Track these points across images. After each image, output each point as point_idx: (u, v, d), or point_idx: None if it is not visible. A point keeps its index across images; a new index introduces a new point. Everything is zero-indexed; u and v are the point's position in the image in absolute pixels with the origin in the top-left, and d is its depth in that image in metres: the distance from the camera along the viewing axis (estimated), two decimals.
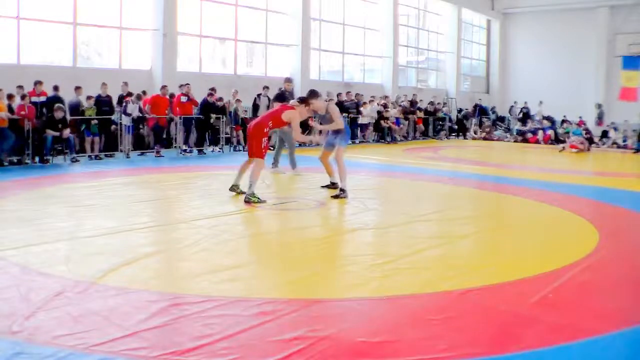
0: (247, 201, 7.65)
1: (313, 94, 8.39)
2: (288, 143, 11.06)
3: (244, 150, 15.10)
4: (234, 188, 8.25)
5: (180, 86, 14.51)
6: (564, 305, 4.15)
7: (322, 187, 9.04)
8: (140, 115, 13.35)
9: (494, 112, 27.76)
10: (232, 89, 15.89)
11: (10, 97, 11.40)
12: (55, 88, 12.34)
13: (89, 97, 12.80)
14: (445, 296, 4.27)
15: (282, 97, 11.04)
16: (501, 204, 8.98)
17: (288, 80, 12.28)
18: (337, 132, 8.52)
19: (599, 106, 26.59)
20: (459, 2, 27.67)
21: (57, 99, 12.25)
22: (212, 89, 14.72)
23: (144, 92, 14.21)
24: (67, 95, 12.80)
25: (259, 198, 7.72)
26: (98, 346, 3.23)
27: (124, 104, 13.20)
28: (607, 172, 14.63)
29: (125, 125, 13.04)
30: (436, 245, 5.84)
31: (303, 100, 8.37)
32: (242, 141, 15.31)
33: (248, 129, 8.30)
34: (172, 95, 14.24)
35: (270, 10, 19.26)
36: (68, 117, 12.19)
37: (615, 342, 3.60)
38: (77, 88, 12.92)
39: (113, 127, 13.25)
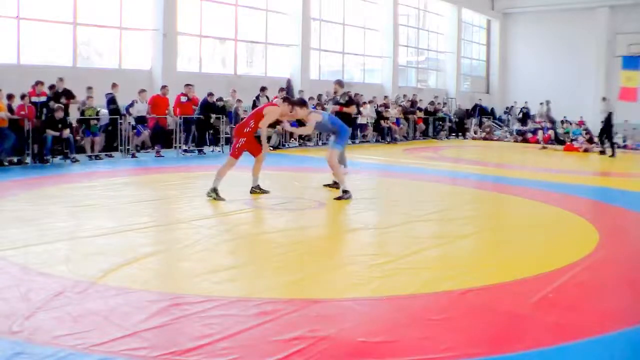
0: (208, 195, 7.77)
1: (301, 102, 8.40)
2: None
3: None
4: (254, 190, 8.31)
5: (186, 85, 14.53)
6: (564, 305, 4.15)
7: (325, 185, 9.02)
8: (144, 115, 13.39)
9: (506, 113, 27.66)
10: (230, 89, 15.88)
11: (10, 97, 11.40)
12: (51, 87, 12.35)
13: (89, 97, 12.80)
14: (445, 296, 4.27)
15: (336, 100, 10.97)
16: (501, 204, 8.98)
17: (338, 83, 11.17)
18: (334, 133, 8.50)
19: (547, 103, 26.59)
20: (459, 2, 27.68)
21: (51, 99, 12.23)
22: (210, 93, 14.72)
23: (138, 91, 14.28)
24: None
25: (217, 195, 7.76)
26: (98, 346, 3.23)
27: (129, 102, 13.22)
28: (607, 172, 14.63)
29: (131, 124, 13.07)
30: (436, 245, 5.84)
31: (289, 101, 8.34)
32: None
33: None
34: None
35: (270, 10, 19.26)
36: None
37: (615, 342, 3.59)
38: (114, 85, 13.24)
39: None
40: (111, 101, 13.21)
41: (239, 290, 4.35)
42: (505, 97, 30.23)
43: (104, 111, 13.30)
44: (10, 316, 3.62)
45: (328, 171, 10.26)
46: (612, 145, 17.58)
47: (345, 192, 8.22)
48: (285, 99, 8.41)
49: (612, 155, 17.31)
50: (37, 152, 11.61)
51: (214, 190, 7.81)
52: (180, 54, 16.53)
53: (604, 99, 18.02)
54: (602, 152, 17.83)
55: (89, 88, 12.98)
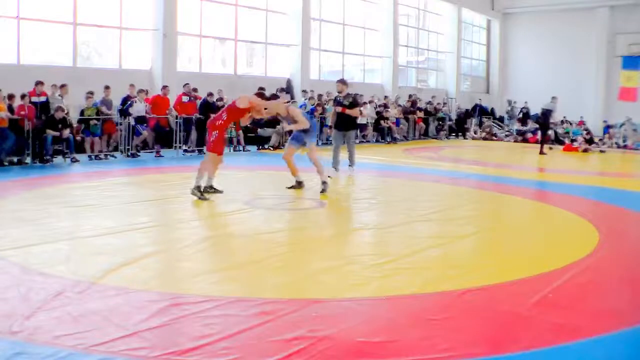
0: (192, 194, 7.69)
1: (273, 95, 8.67)
2: (350, 143, 10.92)
3: (244, 151, 15.12)
4: (207, 189, 8.03)
5: (185, 85, 14.57)
6: (564, 305, 4.15)
7: (288, 188, 8.80)
8: (144, 115, 13.40)
9: (517, 110, 27.52)
10: (226, 89, 15.88)
11: (10, 97, 11.40)
12: (62, 86, 12.40)
13: (88, 97, 12.80)
14: (445, 296, 4.27)
15: (339, 101, 11.00)
16: (501, 204, 8.98)
17: (342, 82, 11.17)
18: (304, 130, 8.65)
19: (510, 103, 26.70)
20: (459, 2, 27.67)
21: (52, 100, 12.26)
22: (210, 93, 14.76)
23: (146, 92, 14.31)
24: (68, 96, 12.79)
25: (201, 194, 7.69)
26: (98, 346, 3.23)
27: (128, 102, 13.24)
28: (607, 172, 14.63)
29: (131, 124, 13.09)
30: (436, 245, 5.84)
31: (262, 96, 8.42)
32: (242, 141, 15.30)
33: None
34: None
35: (270, 10, 19.25)
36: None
37: (615, 342, 3.60)
38: (132, 86, 13.44)
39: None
40: (124, 102, 13.26)
41: (239, 290, 4.35)
42: (505, 97, 30.22)
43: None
44: (10, 316, 3.62)
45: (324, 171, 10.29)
46: (543, 142, 17.47)
47: (324, 183, 8.54)
48: (258, 94, 8.44)
49: (541, 152, 17.13)
50: (37, 152, 11.60)
51: (197, 188, 7.67)
52: (180, 54, 16.52)
53: (553, 98, 17.90)
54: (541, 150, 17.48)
55: (107, 87, 13.10)
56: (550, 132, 21.13)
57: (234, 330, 3.49)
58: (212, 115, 14.15)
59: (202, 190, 7.74)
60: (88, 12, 14.58)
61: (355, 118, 11.01)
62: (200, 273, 4.68)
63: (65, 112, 11.95)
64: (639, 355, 3.58)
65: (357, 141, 18.60)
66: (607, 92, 27.37)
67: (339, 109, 10.70)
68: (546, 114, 17.35)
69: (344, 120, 10.74)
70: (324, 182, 8.54)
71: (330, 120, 11.62)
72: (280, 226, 6.82)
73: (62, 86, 12.46)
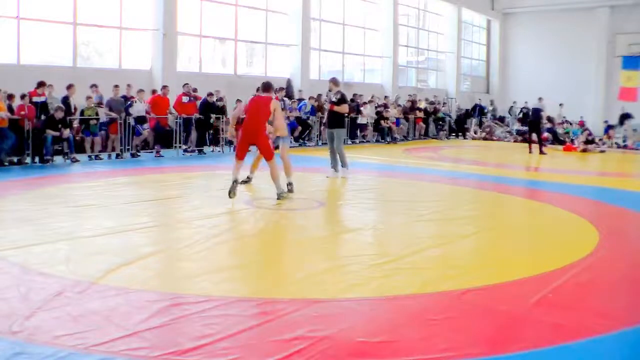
0: (281, 197, 8.00)
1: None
2: (338, 143, 10.87)
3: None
4: (247, 180, 8.79)
5: (184, 85, 14.57)
6: (564, 305, 4.15)
7: (241, 182, 8.94)
8: (144, 115, 13.40)
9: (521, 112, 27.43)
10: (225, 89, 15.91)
11: (10, 97, 11.40)
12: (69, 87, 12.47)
13: (88, 97, 12.81)
14: (445, 296, 4.27)
15: (330, 99, 11.06)
16: (501, 204, 8.98)
17: (333, 81, 11.06)
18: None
19: (492, 102, 26.73)
20: (459, 2, 27.67)
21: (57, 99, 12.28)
22: (210, 93, 14.76)
23: (153, 91, 14.32)
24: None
25: (288, 190, 8.22)
26: (98, 346, 3.23)
27: (128, 103, 13.24)
28: (607, 172, 14.63)
29: (131, 125, 13.09)
30: (436, 245, 5.85)
31: (271, 89, 8.79)
32: None
33: (248, 128, 8.18)
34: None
35: (270, 10, 19.26)
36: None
37: (615, 342, 3.60)
38: (129, 86, 13.66)
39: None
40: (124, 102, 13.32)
41: (239, 290, 4.35)
42: (505, 97, 30.22)
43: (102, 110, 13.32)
44: (10, 316, 3.63)
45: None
46: (540, 142, 17.50)
47: (289, 184, 8.68)
48: (270, 89, 8.76)
49: (541, 152, 17.17)
50: (37, 152, 11.60)
51: (283, 191, 8.04)
52: (180, 54, 16.53)
53: (540, 99, 17.96)
54: (536, 150, 17.47)
55: (116, 86, 13.12)
56: (548, 134, 21.16)
57: (234, 330, 3.49)
58: (213, 116, 14.37)
59: (289, 188, 8.28)
60: (88, 12, 14.58)
61: (343, 115, 10.99)
62: (200, 273, 4.68)
63: (72, 111, 11.91)
64: (639, 355, 3.59)
65: (357, 141, 18.65)
66: (607, 92, 27.36)
67: (329, 106, 10.82)
68: (537, 113, 17.41)
69: (332, 117, 10.80)
70: (289, 183, 8.57)
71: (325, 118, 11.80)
72: (280, 226, 6.82)
73: (69, 86, 12.45)
